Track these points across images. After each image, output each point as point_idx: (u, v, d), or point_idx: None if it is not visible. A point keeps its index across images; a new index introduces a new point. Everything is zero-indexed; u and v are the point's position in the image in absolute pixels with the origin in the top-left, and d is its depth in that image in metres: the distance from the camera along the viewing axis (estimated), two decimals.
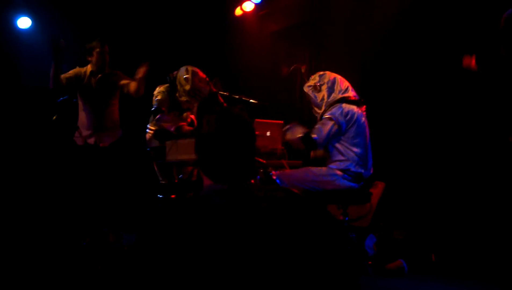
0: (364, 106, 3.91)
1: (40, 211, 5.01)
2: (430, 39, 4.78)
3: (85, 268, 3.71)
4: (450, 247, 4.22)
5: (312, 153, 4.06)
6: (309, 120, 4.27)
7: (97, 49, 4.41)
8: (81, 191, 4.47)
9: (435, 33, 4.74)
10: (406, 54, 4.94)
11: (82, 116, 4.52)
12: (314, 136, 3.71)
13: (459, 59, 4.40)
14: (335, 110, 3.77)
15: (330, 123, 3.72)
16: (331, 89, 3.87)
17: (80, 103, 4.54)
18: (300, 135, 3.76)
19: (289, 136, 3.82)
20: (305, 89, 4.01)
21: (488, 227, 4.18)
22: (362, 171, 3.78)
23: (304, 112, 5.84)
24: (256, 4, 5.93)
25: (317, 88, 3.92)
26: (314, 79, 3.96)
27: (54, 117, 4.56)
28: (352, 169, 3.74)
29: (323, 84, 3.90)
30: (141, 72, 4.35)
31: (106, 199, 4.47)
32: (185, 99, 4.20)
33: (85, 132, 4.46)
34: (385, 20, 5.00)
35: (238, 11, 6.04)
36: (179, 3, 5.95)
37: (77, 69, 4.54)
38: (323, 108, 3.89)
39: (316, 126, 3.77)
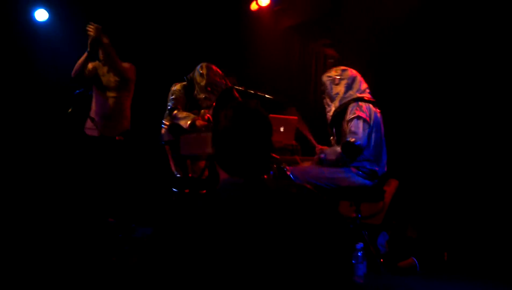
0: (377, 107, 3.87)
1: (55, 205, 5.06)
2: (444, 37, 4.75)
3: (100, 261, 3.75)
4: (463, 246, 4.20)
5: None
6: (320, 115, 4.25)
7: (92, 40, 4.41)
8: (95, 183, 4.51)
9: (448, 30, 4.71)
10: (422, 51, 4.91)
11: (94, 106, 4.58)
12: (352, 140, 3.62)
13: (471, 57, 4.38)
14: (356, 108, 3.71)
15: (360, 121, 3.66)
16: (349, 87, 3.82)
17: (94, 94, 4.60)
18: (339, 150, 3.69)
19: (330, 156, 3.73)
20: (324, 78, 3.95)
21: (501, 226, 4.16)
22: (377, 168, 3.76)
23: (317, 108, 5.85)
24: None
25: (335, 81, 3.87)
26: (336, 71, 3.91)
27: (70, 110, 4.60)
28: (367, 166, 3.72)
29: (343, 79, 3.85)
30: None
31: (119, 191, 4.51)
32: (203, 96, 4.21)
33: (97, 121, 4.51)
34: (400, 15, 4.97)
35: (253, 6, 6.04)
36: None
37: (96, 62, 4.59)
38: (336, 103, 3.84)
39: (349, 130, 3.67)
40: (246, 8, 6.10)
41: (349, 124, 3.70)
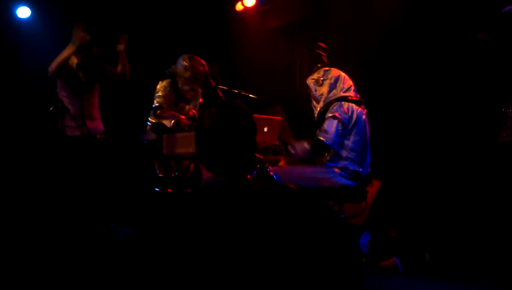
0: (363, 106, 3.89)
1: (39, 204, 4.99)
2: (429, 39, 4.80)
3: (81, 261, 3.71)
4: (444, 246, 4.24)
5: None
6: (307, 115, 4.26)
7: (75, 36, 4.38)
8: (79, 183, 4.47)
9: (434, 32, 4.76)
10: (406, 53, 4.96)
11: (71, 106, 4.52)
12: (322, 139, 3.65)
13: (456, 59, 4.43)
14: (336, 108, 3.73)
15: (335, 122, 3.68)
16: (333, 86, 3.84)
17: (68, 92, 4.53)
18: (307, 146, 3.69)
19: (299, 151, 3.73)
20: (308, 81, 3.97)
21: (482, 226, 4.21)
22: (360, 169, 3.78)
23: (303, 108, 5.87)
24: (258, 0, 5.92)
25: (319, 82, 3.89)
26: (318, 73, 3.93)
27: (51, 108, 4.56)
28: (350, 167, 3.73)
29: (326, 79, 3.87)
30: (120, 47, 4.54)
31: (102, 191, 4.47)
32: (188, 88, 4.20)
33: (77, 122, 4.47)
34: (386, 17, 5.01)
35: (239, 6, 6.04)
36: None
37: (73, 60, 4.53)
38: (321, 104, 3.87)
39: (322, 128, 3.71)
40: (232, 9, 6.09)
41: (325, 121, 3.73)
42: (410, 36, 4.92)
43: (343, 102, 3.75)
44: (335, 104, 3.76)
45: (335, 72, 3.90)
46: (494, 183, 4.19)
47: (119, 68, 4.64)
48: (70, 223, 4.36)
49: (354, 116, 3.74)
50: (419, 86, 4.87)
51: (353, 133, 3.75)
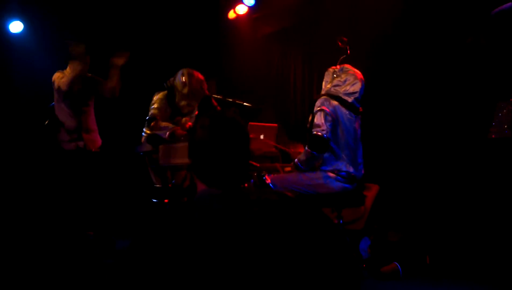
0: (358, 116, 3.85)
1: (34, 219, 4.96)
2: (421, 42, 4.82)
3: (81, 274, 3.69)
4: (445, 249, 4.23)
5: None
6: (302, 123, 4.26)
7: (80, 55, 4.38)
8: (76, 196, 4.44)
9: (427, 34, 4.77)
10: (399, 57, 4.97)
11: (66, 120, 4.50)
12: (317, 133, 3.58)
13: (447, 61, 4.44)
14: (321, 102, 3.68)
15: (322, 114, 3.63)
16: (339, 85, 3.77)
17: (62, 107, 4.51)
18: (307, 147, 3.64)
19: (302, 158, 3.67)
20: (328, 69, 3.91)
21: (482, 228, 4.20)
22: (353, 170, 3.73)
23: (298, 115, 5.86)
24: (250, 7, 5.92)
25: (331, 75, 3.85)
26: (338, 67, 3.85)
27: (47, 122, 4.55)
28: (344, 168, 3.68)
29: (339, 76, 3.80)
30: (118, 61, 4.41)
31: (100, 204, 4.45)
32: (184, 103, 4.18)
33: (72, 136, 4.45)
34: (378, 24, 5.02)
35: (231, 14, 6.04)
36: (173, 6, 5.93)
37: (58, 74, 4.52)
38: (322, 93, 3.84)
39: (313, 123, 3.65)
40: (224, 17, 6.09)
41: (314, 116, 3.69)
42: (403, 40, 4.94)
43: (329, 98, 3.70)
44: (322, 98, 3.73)
45: (351, 75, 3.80)
46: (490, 182, 4.19)
47: (110, 83, 4.50)
48: (66, 235, 4.34)
49: (340, 116, 3.67)
50: (413, 89, 4.88)
51: (340, 132, 3.70)
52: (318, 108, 3.67)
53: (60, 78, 4.47)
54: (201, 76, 4.21)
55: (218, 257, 1.44)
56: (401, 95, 4.95)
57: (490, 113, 3.82)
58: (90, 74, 4.60)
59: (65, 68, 4.52)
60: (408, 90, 4.91)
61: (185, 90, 4.13)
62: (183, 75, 4.16)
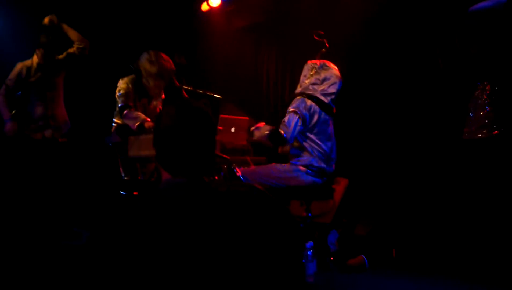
0: (332, 116, 3.88)
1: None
2: (396, 35, 4.86)
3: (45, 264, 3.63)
4: (411, 243, 4.29)
5: (280, 149, 4.03)
6: (275, 115, 4.26)
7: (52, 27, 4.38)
8: (42, 187, 4.37)
9: (400, 33, 4.83)
10: (371, 54, 5.01)
11: (34, 109, 4.43)
12: (282, 132, 3.65)
13: (420, 59, 4.49)
14: (298, 103, 3.73)
15: (296, 117, 3.67)
16: (318, 83, 3.79)
17: (30, 95, 4.45)
18: (267, 133, 3.71)
19: (257, 134, 3.77)
20: (308, 62, 3.91)
21: (447, 222, 4.27)
22: (324, 166, 3.78)
23: (270, 108, 5.87)
24: (223, 0, 5.89)
25: (310, 70, 3.86)
26: (319, 63, 3.86)
27: (13, 112, 4.46)
28: (315, 164, 3.74)
29: (318, 74, 3.82)
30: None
31: (66, 195, 4.39)
32: (153, 84, 4.11)
33: (38, 124, 4.38)
34: (351, 18, 5.05)
35: (204, 6, 5.99)
36: None
37: (20, 66, 4.46)
38: (298, 88, 3.86)
39: (283, 121, 3.72)
40: (197, 9, 6.04)
41: (286, 114, 3.72)
42: (376, 35, 4.98)
43: (306, 99, 3.74)
44: (298, 98, 3.75)
45: (330, 73, 3.82)
46: (458, 178, 4.26)
47: (75, 45, 4.57)
48: (31, 226, 4.27)
49: (316, 117, 3.73)
50: (385, 84, 4.93)
51: (315, 131, 3.74)
52: (292, 110, 3.69)
53: (26, 66, 4.41)
54: (168, 57, 4.16)
55: (177, 242, 1.45)
56: (374, 90, 4.99)
57: (464, 111, 3.88)
58: (57, 56, 4.53)
59: (32, 56, 4.47)
60: (380, 86, 4.96)
61: (153, 69, 4.05)
62: (149, 55, 4.09)
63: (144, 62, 4.09)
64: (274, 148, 3.90)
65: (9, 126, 4.39)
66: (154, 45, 5.21)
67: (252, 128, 3.84)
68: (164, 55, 4.14)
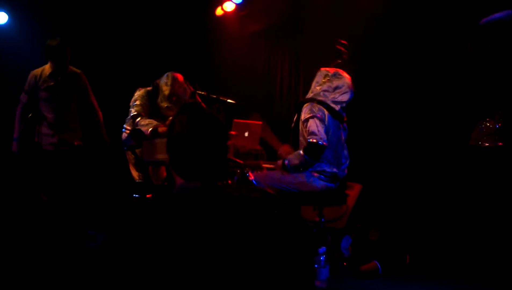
0: (343, 122, 3.86)
1: (17, 215, 4.92)
2: (409, 41, 4.85)
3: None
4: (425, 248, 4.26)
5: (279, 150, 3.94)
6: (286, 122, 4.26)
7: (59, 50, 4.37)
8: (59, 192, 4.42)
9: (415, 34, 4.81)
10: (387, 56, 5.00)
11: (48, 114, 4.48)
12: (314, 140, 3.59)
13: (434, 67, 4.47)
14: (309, 109, 3.70)
15: (315, 120, 3.63)
16: (329, 91, 3.78)
17: (45, 100, 4.50)
18: (302, 152, 3.64)
19: (294, 160, 3.66)
20: (321, 68, 3.90)
21: (462, 228, 4.24)
22: (336, 170, 3.77)
23: (283, 113, 5.87)
24: (237, 4, 5.92)
25: (323, 77, 3.84)
26: (332, 70, 3.84)
27: (30, 115, 4.51)
28: (327, 169, 3.73)
29: (330, 82, 3.80)
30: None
31: (81, 200, 4.43)
32: (165, 105, 4.14)
33: (48, 132, 4.44)
34: (365, 21, 5.04)
35: (219, 11, 6.02)
36: (160, 2, 5.90)
37: (32, 74, 4.51)
38: (309, 94, 3.85)
39: (308, 131, 3.64)
40: (212, 14, 6.08)
41: (305, 124, 3.69)
42: (392, 38, 4.96)
43: (315, 104, 3.71)
44: (307, 105, 3.73)
45: (343, 82, 3.80)
46: (473, 185, 4.23)
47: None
48: (48, 230, 4.31)
49: (326, 120, 3.72)
50: (399, 90, 4.91)
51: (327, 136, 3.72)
52: (310, 115, 3.67)
53: (40, 73, 4.48)
54: (184, 83, 4.17)
55: (190, 246, 1.46)
56: (389, 96, 4.97)
57: (474, 117, 3.86)
58: (71, 68, 4.57)
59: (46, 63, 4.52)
60: (393, 91, 4.94)
61: (167, 92, 4.09)
62: (167, 77, 4.14)
63: (162, 82, 4.14)
64: (315, 161, 3.71)
65: (15, 148, 4.53)
66: (169, 52, 5.26)
67: (284, 162, 3.71)
68: (181, 80, 4.14)
